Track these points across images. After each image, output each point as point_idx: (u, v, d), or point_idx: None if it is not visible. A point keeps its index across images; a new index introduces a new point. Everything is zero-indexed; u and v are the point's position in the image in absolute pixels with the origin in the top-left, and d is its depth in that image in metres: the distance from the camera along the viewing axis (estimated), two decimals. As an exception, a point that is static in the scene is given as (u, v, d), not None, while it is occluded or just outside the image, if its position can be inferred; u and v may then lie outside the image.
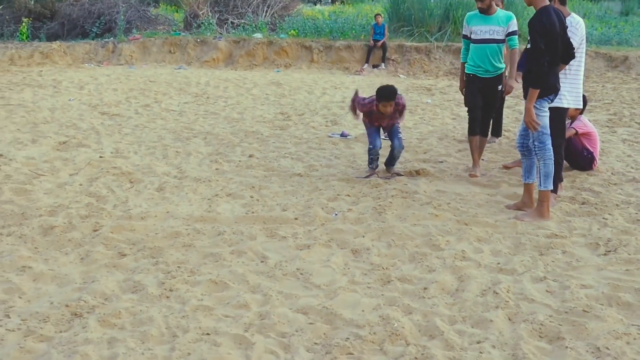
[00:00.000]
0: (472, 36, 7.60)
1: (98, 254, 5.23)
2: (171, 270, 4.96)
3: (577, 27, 6.58)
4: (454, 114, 12.05)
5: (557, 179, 6.70)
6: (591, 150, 7.78)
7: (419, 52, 18.83)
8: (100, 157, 8.30)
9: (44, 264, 5.05)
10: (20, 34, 20.77)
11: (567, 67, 6.46)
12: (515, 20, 7.57)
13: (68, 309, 4.29)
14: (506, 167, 8.05)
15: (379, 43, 18.76)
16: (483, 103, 7.65)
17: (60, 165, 7.89)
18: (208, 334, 4.02)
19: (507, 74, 7.84)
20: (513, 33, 7.51)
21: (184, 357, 3.75)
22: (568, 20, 6.57)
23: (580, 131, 7.72)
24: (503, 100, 8.46)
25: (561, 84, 6.46)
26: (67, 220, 5.93)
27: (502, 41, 7.50)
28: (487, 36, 7.48)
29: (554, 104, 6.47)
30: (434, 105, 12.96)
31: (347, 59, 19.17)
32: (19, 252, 5.21)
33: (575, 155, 7.73)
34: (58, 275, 4.86)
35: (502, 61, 7.57)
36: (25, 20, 21.13)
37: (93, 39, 20.92)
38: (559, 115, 6.55)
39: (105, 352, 3.79)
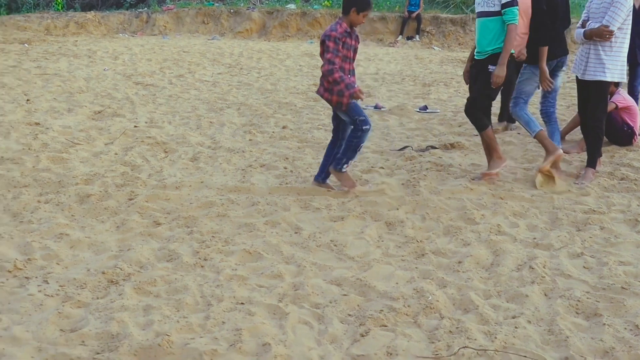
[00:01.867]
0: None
1: (133, 223, 5.28)
2: (205, 239, 5.00)
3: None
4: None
5: (597, 154, 6.61)
6: (631, 125, 7.63)
7: (454, 23, 18.59)
8: (135, 126, 8.38)
9: (81, 232, 5.13)
10: (56, 4, 20.94)
11: (612, 39, 6.32)
12: None
13: (104, 276, 4.36)
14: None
15: (414, 14, 18.55)
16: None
17: (96, 134, 7.97)
18: (242, 303, 4.05)
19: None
20: (508, 4, 5.99)
21: (218, 325, 3.79)
22: None
23: (620, 105, 7.57)
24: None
25: (606, 57, 6.35)
26: (103, 189, 6.00)
27: (495, 14, 6.08)
28: (480, 8, 6.22)
29: (596, 77, 6.36)
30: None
31: (381, 31, 19.00)
32: (56, 219, 5.29)
33: (614, 130, 7.58)
34: (94, 243, 4.93)
35: (498, 41, 6.09)
36: (61, -10, 21.30)
37: (127, 9, 21.02)
38: (601, 89, 6.43)
39: (141, 319, 3.85)
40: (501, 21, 6.04)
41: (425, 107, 9.77)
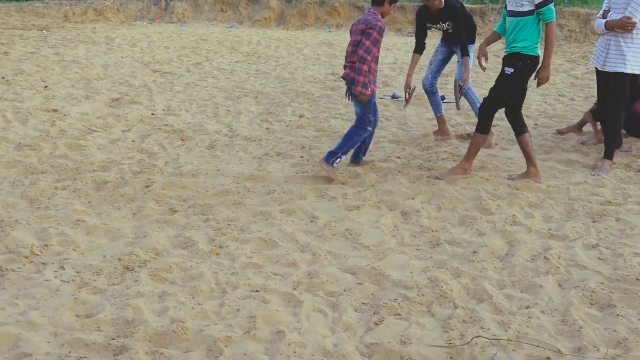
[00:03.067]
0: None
1: (149, 210, 5.33)
2: (221, 227, 5.04)
3: None
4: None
5: (614, 146, 6.58)
6: None
7: (473, 14, 18.31)
8: (152, 114, 8.42)
9: (97, 218, 5.18)
10: (75, -10, 21.04)
11: (634, 30, 6.28)
12: None
13: (120, 262, 4.41)
14: (560, 132, 7.91)
15: (432, 4, 18.44)
16: None
17: (113, 121, 8.03)
18: (257, 290, 4.08)
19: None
20: (543, 3, 5.75)
21: (233, 312, 3.83)
22: None
23: None
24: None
25: (627, 48, 6.32)
26: (120, 176, 6.05)
27: (527, 14, 5.83)
28: (509, 6, 6.01)
29: (616, 68, 6.34)
30: (488, 69, 12.70)
31: (399, 20, 18.90)
32: (73, 205, 5.34)
33: (633, 121, 7.52)
34: (111, 230, 4.98)
35: (518, 42, 5.90)
36: (80, -23, 21.39)
37: (146, -3, 21.05)
38: (620, 80, 6.38)
39: (157, 306, 3.89)
40: (525, 22, 5.85)
41: (396, 95, 9.92)
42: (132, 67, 11.78)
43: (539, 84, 6.05)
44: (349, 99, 6.44)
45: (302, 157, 6.81)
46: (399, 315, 3.86)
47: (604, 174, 6.35)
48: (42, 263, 4.37)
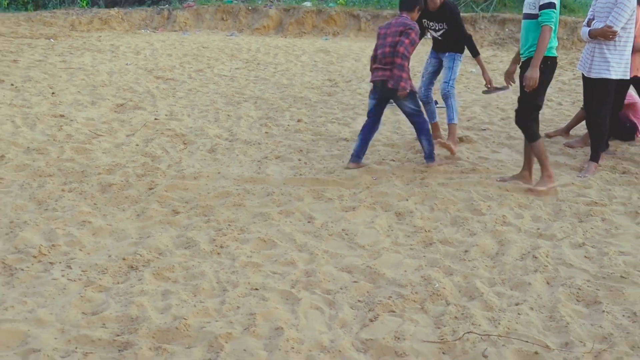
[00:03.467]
0: None
1: (153, 211, 5.40)
2: (222, 227, 5.10)
3: (629, 0, 6.47)
4: (498, 82, 11.91)
5: (600, 149, 6.69)
6: (634, 120, 7.68)
7: (464, 22, 18.52)
8: (155, 119, 8.49)
9: (103, 219, 5.24)
10: (81, 0, 21.18)
11: (616, 38, 6.41)
12: None
13: (125, 262, 4.46)
14: (548, 136, 8.01)
15: (426, 12, 18.57)
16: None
17: (118, 126, 8.11)
18: (256, 289, 4.13)
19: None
20: (545, 6, 5.75)
21: (234, 310, 3.88)
22: None
23: (626, 102, 7.60)
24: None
25: (610, 55, 6.42)
26: (124, 179, 6.12)
27: (537, 16, 5.86)
28: (524, 10, 6.01)
29: (601, 75, 6.43)
30: (478, 75, 12.71)
31: (396, 28, 19.02)
32: (79, 207, 5.41)
33: (617, 125, 7.64)
34: (115, 230, 5.04)
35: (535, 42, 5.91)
36: (86, -13, 21.57)
37: (149, 6, 21.18)
38: (605, 86, 6.51)
39: (160, 304, 3.94)
40: (538, 24, 5.79)
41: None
42: (136, 74, 11.82)
43: (526, 85, 5.82)
44: (375, 100, 6.60)
45: (299, 160, 6.88)
46: (394, 312, 3.90)
47: (590, 176, 6.45)
48: (50, 262, 4.42)
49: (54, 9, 20.79)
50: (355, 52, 15.68)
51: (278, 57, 14.60)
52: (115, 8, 20.51)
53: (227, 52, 15.07)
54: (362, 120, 8.75)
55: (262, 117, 8.89)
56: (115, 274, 4.34)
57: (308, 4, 20.40)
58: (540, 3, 5.76)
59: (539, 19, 5.77)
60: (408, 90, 6.29)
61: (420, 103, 6.69)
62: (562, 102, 10.09)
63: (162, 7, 20.92)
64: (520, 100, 6.01)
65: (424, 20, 7.28)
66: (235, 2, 21.12)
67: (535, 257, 4.62)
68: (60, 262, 4.45)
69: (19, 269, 4.32)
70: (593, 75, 6.50)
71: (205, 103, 9.65)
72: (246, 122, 8.59)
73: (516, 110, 6.08)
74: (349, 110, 9.38)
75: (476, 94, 10.83)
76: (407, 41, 6.21)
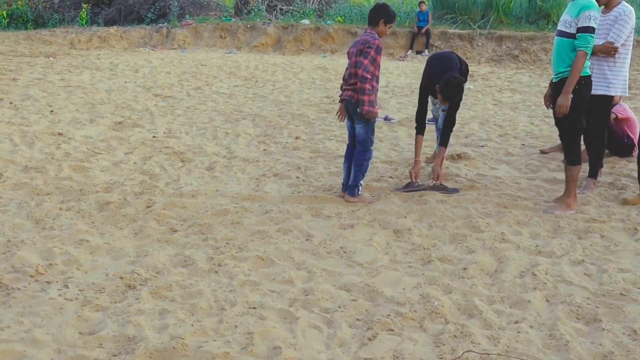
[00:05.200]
0: None
1: (151, 229, 5.39)
2: (220, 246, 5.10)
3: (629, 16, 6.50)
4: (495, 99, 12.04)
5: (598, 165, 6.71)
6: (631, 136, 7.71)
7: (461, 39, 18.67)
8: (154, 137, 8.51)
9: (100, 238, 5.23)
10: (80, 19, 21.31)
11: (616, 55, 6.44)
12: (591, 12, 5.62)
13: (122, 280, 4.45)
14: (543, 152, 8.04)
15: (423, 30, 18.78)
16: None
17: (116, 144, 8.12)
18: (254, 307, 4.12)
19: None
20: (583, 29, 5.60)
21: (231, 329, 3.87)
22: (618, 9, 6.53)
23: (620, 116, 7.63)
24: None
25: (609, 72, 6.46)
26: (122, 197, 6.13)
27: (571, 36, 5.71)
28: (559, 27, 5.85)
29: (599, 91, 6.45)
30: (476, 91, 12.92)
31: (391, 45, 19.12)
32: (77, 226, 5.40)
33: (615, 141, 7.66)
34: (113, 249, 5.03)
35: (570, 64, 5.76)
36: (85, 6, 21.66)
37: (148, 24, 21.31)
38: (604, 103, 6.54)
39: (157, 323, 3.93)
40: (572, 44, 5.70)
41: (388, 118, 10.01)
42: (135, 91, 11.86)
43: (557, 112, 5.76)
44: (344, 121, 6.42)
45: (298, 177, 6.89)
46: (392, 330, 3.89)
47: (588, 193, 6.47)
48: (47, 282, 4.41)
49: (53, 27, 20.91)
50: (353, 69, 15.72)
51: (276, 74, 14.66)
52: (114, 26, 20.64)
53: (226, 69, 15.14)
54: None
55: (260, 134, 8.91)
56: (113, 293, 4.32)
57: (306, 21, 20.54)
58: (579, 25, 5.62)
59: (576, 42, 5.66)
60: (375, 114, 5.99)
61: (372, 141, 6.23)
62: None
63: (161, 25, 21.04)
64: (557, 122, 5.95)
65: (429, 96, 6.83)
66: (234, 20, 21.25)
67: (535, 275, 4.62)
68: (57, 282, 4.44)
69: (16, 289, 4.30)
70: (592, 92, 6.51)
71: (203, 121, 9.68)
72: (244, 139, 8.61)
73: (561, 135, 6.04)
74: (347, 128, 9.37)
75: (474, 110, 10.87)
76: (365, 62, 5.85)
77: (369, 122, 6.08)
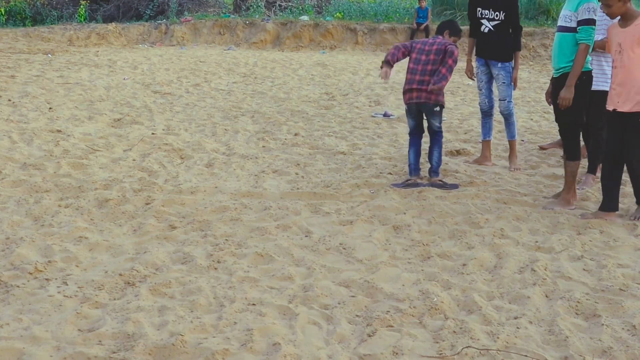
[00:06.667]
0: None
1: (150, 226, 5.39)
2: (219, 242, 5.09)
3: None
4: (495, 95, 11.97)
5: (597, 161, 6.69)
6: None
7: (463, 35, 18.62)
8: (153, 134, 8.51)
9: (99, 235, 5.23)
10: (79, 16, 21.33)
11: None
12: (590, 5, 5.65)
13: (121, 277, 4.44)
14: (543, 148, 8.04)
15: (422, 26, 18.81)
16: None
17: (115, 141, 8.12)
18: (254, 304, 4.11)
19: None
20: (584, 22, 5.65)
21: (231, 325, 3.86)
22: None
23: None
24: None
25: (608, 67, 6.47)
26: (121, 194, 6.12)
27: (572, 30, 5.75)
28: (560, 22, 5.89)
29: (598, 87, 6.45)
30: (475, 87, 12.90)
31: (390, 41, 19.12)
32: (76, 223, 5.40)
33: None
34: (112, 246, 5.03)
35: (571, 59, 5.79)
36: (83, 2, 21.70)
37: (146, 21, 21.32)
38: (602, 98, 6.51)
39: (156, 320, 3.91)
40: (572, 39, 5.74)
41: (387, 114, 10.01)
42: (134, 88, 11.88)
43: (559, 105, 5.79)
44: (414, 119, 6.72)
45: (297, 174, 6.89)
46: (392, 326, 3.88)
47: (587, 188, 6.48)
48: (46, 279, 4.40)
49: (52, 24, 20.92)
50: (352, 65, 15.77)
51: (275, 70, 14.67)
52: (113, 23, 20.66)
53: (225, 66, 15.16)
54: (359, 133, 8.83)
55: (260, 131, 8.92)
56: (112, 290, 4.31)
57: (305, 17, 20.54)
58: (579, 18, 5.66)
59: (577, 36, 5.69)
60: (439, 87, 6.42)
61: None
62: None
63: (159, 21, 21.05)
64: (557, 118, 6.00)
65: (478, 9, 7.06)
66: (233, 16, 21.24)
67: (534, 270, 4.61)
68: (56, 279, 4.43)
69: (15, 286, 4.29)
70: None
71: (202, 117, 9.68)
72: (243, 136, 8.61)
73: (560, 130, 6.12)
74: (346, 124, 9.41)
75: (473, 106, 10.86)
76: (450, 62, 6.42)
77: (440, 114, 6.63)
